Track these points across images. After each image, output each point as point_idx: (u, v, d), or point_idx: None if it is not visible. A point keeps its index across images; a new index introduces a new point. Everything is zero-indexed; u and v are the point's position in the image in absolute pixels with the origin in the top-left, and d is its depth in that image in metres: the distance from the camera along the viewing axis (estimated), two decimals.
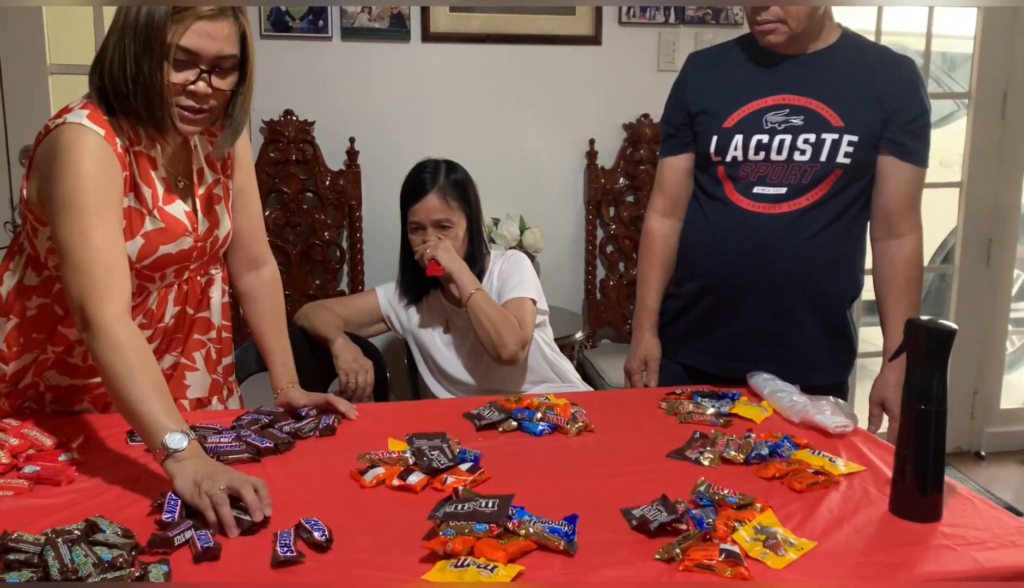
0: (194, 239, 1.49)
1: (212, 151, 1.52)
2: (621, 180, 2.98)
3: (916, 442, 1.15)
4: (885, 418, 1.74)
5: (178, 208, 1.46)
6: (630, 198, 3.00)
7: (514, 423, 1.52)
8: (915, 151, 1.68)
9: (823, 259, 1.69)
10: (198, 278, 1.56)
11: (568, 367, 2.18)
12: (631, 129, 2.97)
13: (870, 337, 1.79)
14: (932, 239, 3.85)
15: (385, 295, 2.17)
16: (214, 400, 1.65)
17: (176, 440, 1.20)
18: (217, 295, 1.61)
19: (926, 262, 3.84)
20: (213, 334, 1.62)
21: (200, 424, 1.45)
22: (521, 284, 2.04)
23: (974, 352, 3.46)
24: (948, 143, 3.65)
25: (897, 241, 1.72)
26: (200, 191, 1.52)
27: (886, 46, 1.75)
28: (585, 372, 2.84)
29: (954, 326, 1.13)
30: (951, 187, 3.40)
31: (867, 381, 1.82)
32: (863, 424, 1.70)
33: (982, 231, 3.40)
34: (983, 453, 3.45)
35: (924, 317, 1.17)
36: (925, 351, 1.14)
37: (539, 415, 1.54)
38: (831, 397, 1.59)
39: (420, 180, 2.02)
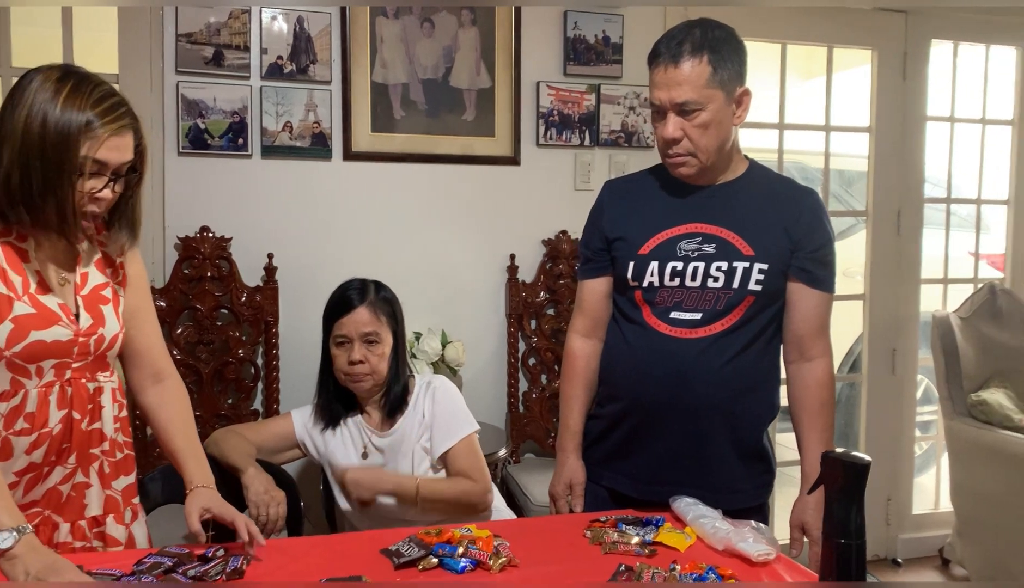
0: (74, 333, 1.46)
1: (109, 248, 1.56)
2: (542, 294, 3.02)
3: (838, 575, 1.16)
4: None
5: (51, 300, 1.46)
6: (551, 311, 3.03)
7: (435, 560, 1.46)
8: (822, 278, 1.75)
9: (740, 382, 1.72)
10: (83, 381, 1.50)
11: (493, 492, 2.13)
12: (550, 245, 3.02)
13: (790, 442, 1.82)
14: (840, 348, 4.00)
15: (300, 419, 2.11)
16: (110, 519, 1.55)
17: (2, 539, 1.21)
18: (109, 405, 1.55)
19: (835, 371, 3.97)
20: (107, 445, 1.55)
21: (98, 569, 1.36)
22: (463, 423, 2.02)
23: (886, 459, 3.56)
24: (850, 255, 3.83)
25: (809, 364, 1.77)
26: (84, 291, 1.51)
27: (790, 178, 1.84)
28: (508, 489, 2.80)
29: (868, 459, 1.16)
30: (855, 299, 3.55)
31: (788, 488, 1.83)
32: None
33: (886, 341, 3.55)
34: (899, 560, 3.51)
35: (839, 450, 1.19)
36: (842, 485, 1.16)
37: (461, 550, 1.49)
38: (753, 522, 1.59)
39: (348, 295, 2.01)
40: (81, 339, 1.47)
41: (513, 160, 2.99)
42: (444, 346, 2.82)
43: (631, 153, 3.07)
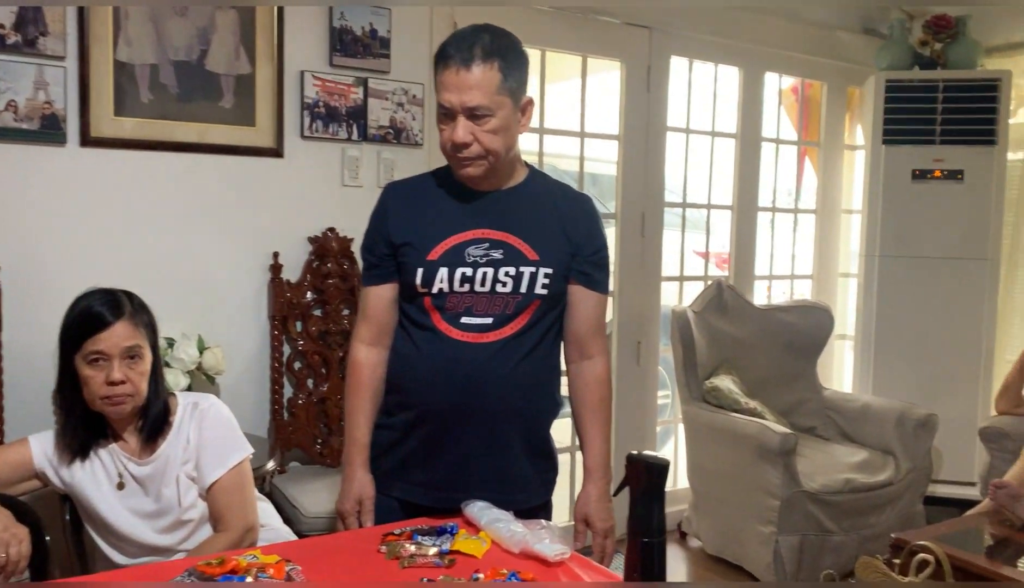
0: None
1: None
2: (308, 294, 2.89)
3: (642, 572, 1.21)
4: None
5: None
6: (318, 312, 2.92)
7: None
8: (599, 280, 1.83)
9: (529, 384, 1.75)
10: None
11: (268, 510, 2.01)
12: (317, 242, 2.90)
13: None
14: None
15: (40, 447, 1.83)
16: None
17: None
18: None
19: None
20: None
21: None
22: (234, 449, 1.86)
23: (635, 444, 3.82)
24: None
25: (588, 363, 1.85)
26: None
27: (567, 185, 1.90)
28: (276, 502, 2.65)
29: (667, 459, 1.22)
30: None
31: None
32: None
33: (633, 334, 3.82)
34: None
35: (642, 452, 1.24)
36: (645, 485, 1.21)
37: (249, 578, 1.38)
38: (543, 521, 1.63)
39: (97, 310, 1.75)
40: None
41: (276, 152, 2.84)
42: (201, 353, 2.61)
43: (400, 150, 3.03)
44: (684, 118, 3.90)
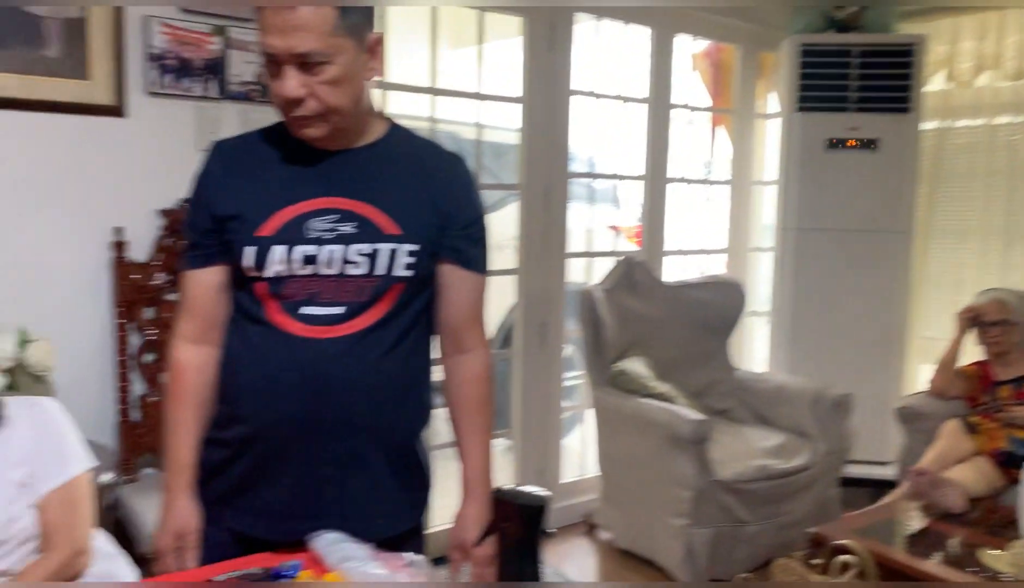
0: None
1: None
2: (160, 276, 2.50)
3: None
4: None
5: None
6: (172, 296, 2.53)
7: None
8: (475, 258, 1.52)
9: (390, 387, 1.44)
10: None
11: (102, 546, 1.72)
12: (169, 215, 2.51)
13: None
14: (493, 323, 3.96)
15: None
16: None
17: None
18: None
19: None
20: None
21: None
22: (75, 457, 1.70)
23: (538, 432, 3.56)
24: (500, 228, 3.77)
25: (465, 357, 1.54)
26: None
27: (434, 142, 1.57)
28: (119, 522, 2.28)
29: (545, 498, 0.93)
30: (508, 274, 3.48)
31: None
32: None
33: (537, 314, 3.53)
34: (550, 530, 3.55)
35: (516, 488, 0.95)
36: (516, 533, 0.92)
37: None
38: (406, 557, 1.33)
39: None
40: None
41: (116, 110, 2.42)
42: (23, 347, 2.20)
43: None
44: (591, 81, 3.61)
